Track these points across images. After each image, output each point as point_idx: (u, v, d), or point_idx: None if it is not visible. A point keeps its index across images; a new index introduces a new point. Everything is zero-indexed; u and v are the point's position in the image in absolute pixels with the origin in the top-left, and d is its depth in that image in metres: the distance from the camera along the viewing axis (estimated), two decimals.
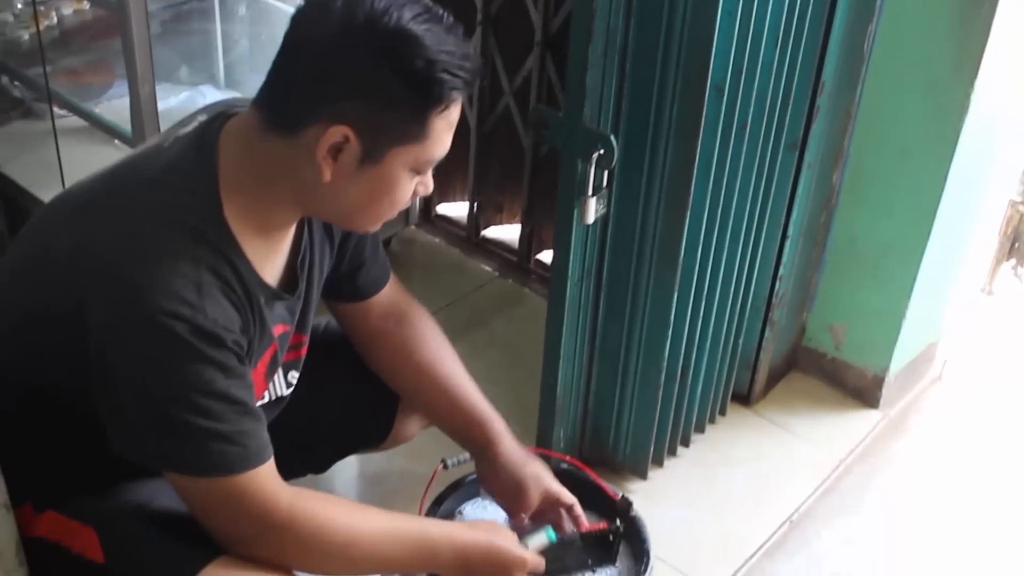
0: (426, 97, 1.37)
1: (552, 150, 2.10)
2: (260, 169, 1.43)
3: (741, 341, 2.43)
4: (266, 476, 1.44)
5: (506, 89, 2.89)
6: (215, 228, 1.41)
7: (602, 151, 1.83)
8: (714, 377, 2.41)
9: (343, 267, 1.76)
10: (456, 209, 3.23)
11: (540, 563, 1.67)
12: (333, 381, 1.84)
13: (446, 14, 1.40)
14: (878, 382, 2.62)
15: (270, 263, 1.52)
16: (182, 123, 1.54)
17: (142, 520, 1.55)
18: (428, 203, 3.20)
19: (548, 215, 2.87)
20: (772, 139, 2.11)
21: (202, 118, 1.50)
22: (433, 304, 2.88)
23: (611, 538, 1.78)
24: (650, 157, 1.94)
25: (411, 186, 1.48)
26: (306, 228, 1.61)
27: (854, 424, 2.62)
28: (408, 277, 3.02)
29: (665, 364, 2.16)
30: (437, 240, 3.20)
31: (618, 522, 1.79)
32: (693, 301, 2.14)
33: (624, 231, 2.03)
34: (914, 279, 2.45)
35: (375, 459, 2.35)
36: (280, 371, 1.66)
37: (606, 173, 1.88)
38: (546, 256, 2.99)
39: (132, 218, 1.39)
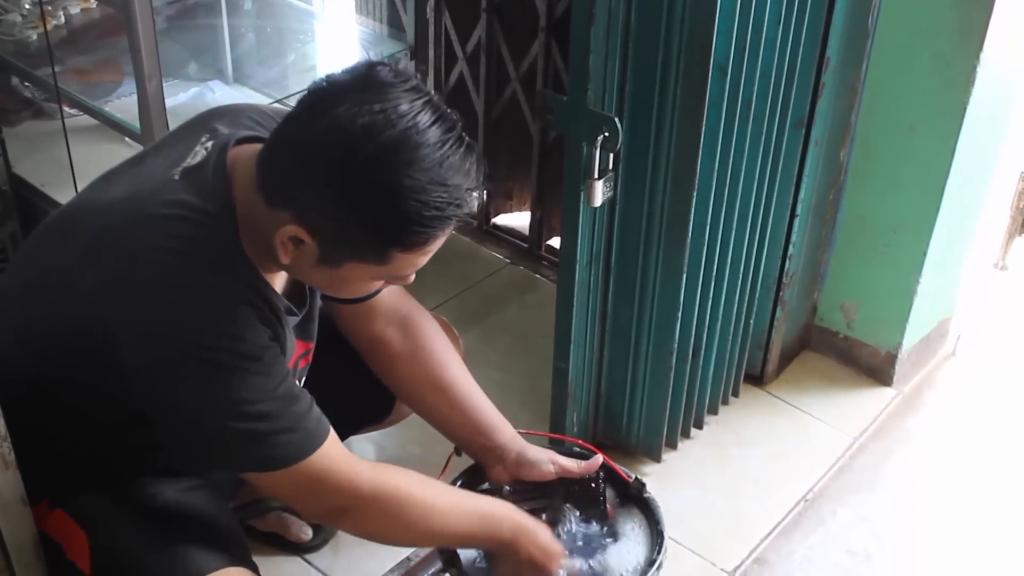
0: (391, 240, 1.36)
1: (559, 136, 2.10)
2: (256, 219, 1.43)
3: (752, 321, 2.42)
4: (334, 448, 1.51)
5: (512, 76, 2.89)
6: (238, 260, 1.43)
7: (607, 134, 1.83)
8: (726, 358, 2.41)
9: None
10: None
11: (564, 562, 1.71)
12: (332, 359, 1.83)
13: (464, 147, 1.37)
14: (891, 359, 2.62)
15: (278, 283, 1.54)
16: (182, 139, 1.55)
17: (136, 532, 1.58)
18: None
19: (557, 201, 2.86)
20: (778, 117, 2.11)
21: (206, 145, 1.49)
22: (445, 293, 2.90)
23: (593, 485, 1.80)
24: (655, 139, 1.94)
25: (377, 284, 1.55)
26: None
27: (868, 402, 2.62)
28: (421, 270, 3.03)
29: (676, 346, 2.16)
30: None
31: (600, 474, 1.80)
32: (702, 282, 2.14)
33: (631, 213, 2.03)
34: (924, 255, 2.45)
35: (389, 446, 2.36)
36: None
37: (612, 156, 1.88)
38: (557, 242, 2.99)
39: (157, 257, 1.40)
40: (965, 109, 2.24)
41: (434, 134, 1.33)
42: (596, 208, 1.95)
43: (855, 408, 2.60)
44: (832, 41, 2.14)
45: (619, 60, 1.87)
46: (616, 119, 1.82)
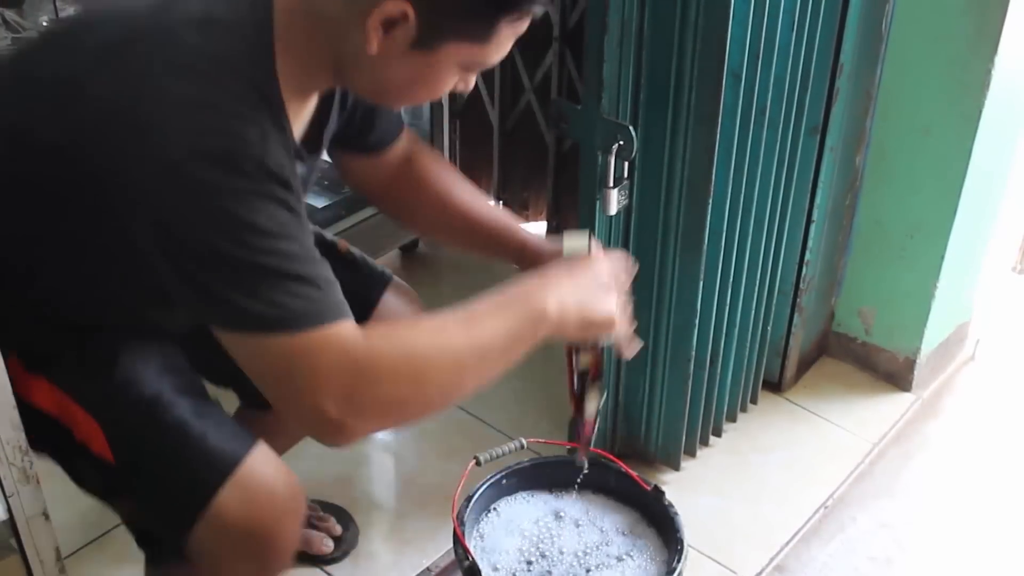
0: (504, 6, 1.28)
1: (575, 145, 2.10)
2: (312, 28, 1.30)
3: (770, 328, 2.42)
4: (348, 330, 1.27)
5: (527, 85, 2.90)
6: (269, 84, 1.29)
7: (621, 142, 1.83)
8: (744, 365, 2.40)
9: (353, 127, 1.64)
10: None
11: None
12: None
13: None
14: (910, 365, 2.61)
15: (297, 125, 1.41)
16: None
17: (155, 423, 1.44)
18: None
19: (573, 211, 2.87)
20: (792, 123, 2.10)
21: None
22: (462, 297, 2.87)
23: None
24: (670, 146, 1.94)
25: (454, 81, 1.38)
26: (336, 95, 1.53)
27: (887, 408, 2.61)
28: (437, 277, 3.04)
29: (694, 353, 2.15)
30: None
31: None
32: (719, 289, 2.13)
33: (647, 221, 2.03)
34: (942, 259, 2.44)
35: (408, 458, 2.36)
36: None
37: (627, 164, 1.88)
38: None
39: (189, 61, 1.25)
40: (980, 112, 2.24)
41: None
42: (612, 216, 1.95)
43: (874, 414, 2.59)
44: (846, 46, 2.13)
45: (633, 68, 1.87)
46: (631, 127, 1.82)
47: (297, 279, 1.23)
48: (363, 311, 1.76)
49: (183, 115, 1.21)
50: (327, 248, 1.71)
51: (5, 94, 1.41)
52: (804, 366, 2.66)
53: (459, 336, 1.34)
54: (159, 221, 1.24)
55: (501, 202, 3.11)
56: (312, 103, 1.45)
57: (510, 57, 2.81)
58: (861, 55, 2.22)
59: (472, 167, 3.10)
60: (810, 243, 2.36)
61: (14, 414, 1.34)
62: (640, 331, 2.15)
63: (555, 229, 3.02)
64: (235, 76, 1.25)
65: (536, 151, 2.97)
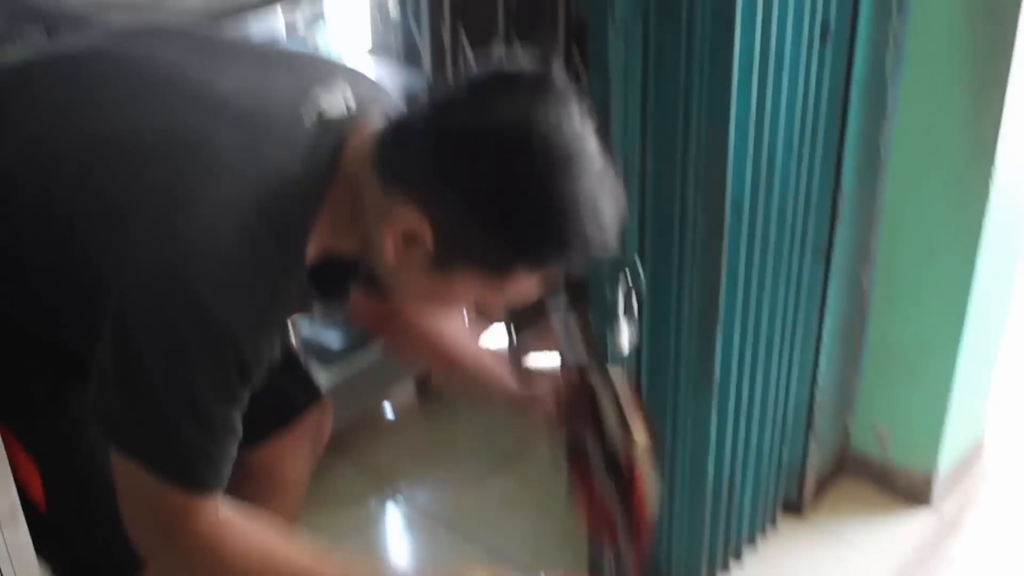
0: (526, 253, 1.26)
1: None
2: (354, 208, 1.30)
3: (785, 451, 2.42)
4: (211, 505, 1.32)
5: None
6: (302, 250, 1.29)
7: (629, 275, 1.86)
8: (761, 490, 2.40)
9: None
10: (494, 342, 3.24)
11: None
12: None
13: (614, 180, 1.27)
14: (928, 482, 2.60)
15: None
16: (319, 69, 1.42)
17: (99, 483, 1.40)
18: None
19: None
20: (798, 248, 2.13)
21: (348, 98, 1.36)
22: (479, 434, 2.90)
23: None
24: (677, 277, 1.96)
25: (471, 302, 1.39)
26: None
27: (908, 527, 2.58)
28: (453, 410, 3.04)
29: (710, 482, 2.15)
30: None
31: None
32: (733, 416, 2.14)
33: (657, 352, 2.05)
34: (953, 376, 2.44)
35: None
36: None
37: (635, 299, 1.90)
38: None
39: (238, 222, 1.24)
40: (982, 228, 2.26)
41: (598, 162, 1.23)
42: (622, 348, 1.97)
43: (895, 534, 2.56)
44: (846, 170, 2.16)
45: (638, 202, 1.90)
46: (637, 260, 1.85)
47: (200, 452, 1.28)
48: (285, 417, 1.81)
49: (206, 272, 1.22)
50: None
51: (43, 110, 1.39)
52: (822, 486, 2.65)
53: None
54: (123, 338, 1.25)
55: (513, 326, 3.12)
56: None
57: None
58: (862, 178, 2.25)
59: None
60: (821, 364, 2.37)
61: None
62: (656, 461, 2.17)
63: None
64: (272, 238, 1.26)
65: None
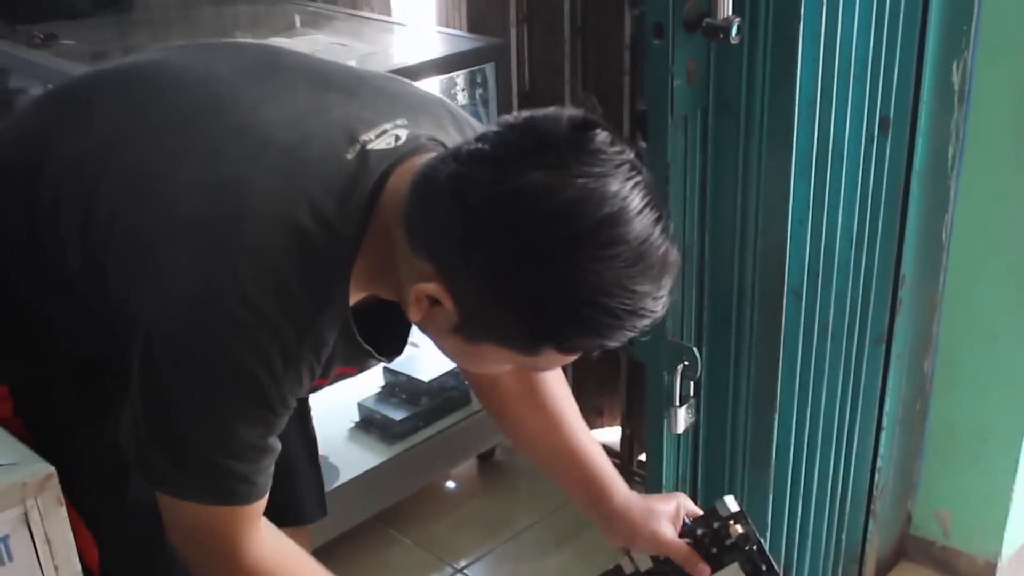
0: (550, 337, 1.16)
1: None
2: (390, 250, 1.22)
3: (844, 535, 2.41)
4: (256, 512, 1.31)
5: None
6: (341, 290, 1.23)
7: (687, 363, 1.88)
8: (819, 573, 2.39)
9: None
10: None
11: None
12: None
13: (667, 244, 1.13)
14: (991, 568, 2.57)
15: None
16: (379, 91, 1.34)
17: (144, 549, 1.47)
18: None
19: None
20: (857, 335, 2.14)
21: (399, 132, 1.27)
22: (540, 510, 2.91)
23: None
24: (735, 365, 1.98)
25: (505, 367, 1.30)
26: None
27: None
28: (514, 485, 3.06)
29: None
30: None
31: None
32: (790, 502, 2.14)
33: (715, 438, 2.06)
34: (1017, 461, 2.43)
35: None
36: None
37: (692, 383, 1.93)
38: None
39: (269, 247, 1.19)
40: None
41: (639, 225, 1.09)
42: (679, 434, 1.98)
43: None
44: (907, 258, 2.18)
45: (696, 290, 1.93)
46: (695, 348, 1.87)
47: (235, 476, 1.25)
48: (284, 519, 1.71)
49: (236, 318, 1.17)
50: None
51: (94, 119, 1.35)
52: (882, 571, 2.63)
53: None
54: (141, 370, 1.22)
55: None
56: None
57: None
58: (923, 265, 2.26)
59: None
60: (882, 449, 2.36)
61: None
62: None
63: (628, 437, 3.04)
64: (312, 283, 1.20)
65: (608, 359, 3.02)
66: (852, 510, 2.39)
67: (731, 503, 1.57)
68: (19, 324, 1.40)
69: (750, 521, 1.57)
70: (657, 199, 1.12)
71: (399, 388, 2.91)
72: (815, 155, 1.83)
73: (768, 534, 2.11)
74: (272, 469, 1.30)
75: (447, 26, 3.05)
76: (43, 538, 1.38)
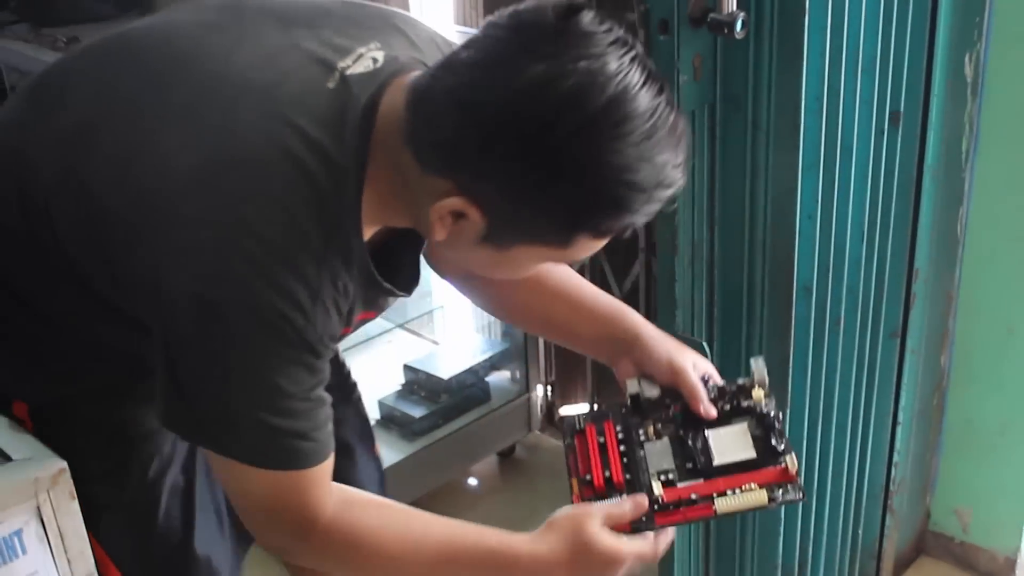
0: (583, 223, 1.17)
1: None
2: (396, 185, 1.22)
3: (861, 531, 2.41)
4: (324, 474, 1.29)
5: (616, 293, 2.97)
6: (353, 226, 1.22)
7: None
8: (836, 570, 2.38)
9: None
10: (578, 411, 3.26)
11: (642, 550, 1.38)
12: None
13: (674, 114, 1.14)
14: (1011, 564, 2.57)
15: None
16: (346, 19, 1.31)
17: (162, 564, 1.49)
18: (551, 407, 3.27)
19: None
20: (870, 330, 2.14)
21: (376, 55, 1.25)
22: (558, 505, 2.90)
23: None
24: (746, 360, 1.98)
25: (533, 270, 1.33)
26: None
27: None
28: (533, 482, 3.07)
29: (780, 561, 2.15)
30: (561, 443, 3.22)
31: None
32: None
33: None
34: None
35: None
36: None
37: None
38: None
39: (282, 196, 1.17)
40: None
41: (645, 99, 1.10)
42: None
43: None
44: (920, 252, 2.18)
45: (706, 285, 1.93)
46: (705, 344, 1.87)
47: (292, 434, 1.23)
48: None
49: (249, 262, 1.16)
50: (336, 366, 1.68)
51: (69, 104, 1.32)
52: (901, 567, 2.63)
53: (428, 566, 1.35)
54: (172, 343, 1.21)
55: (596, 407, 3.16)
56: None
57: (599, 267, 2.93)
58: (938, 259, 2.26)
59: (568, 371, 3.17)
60: (898, 445, 2.36)
61: None
62: (726, 541, 2.18)
63: None
64: (319, 219, 1.18)
65: None
66: (869, 505, 2.39)
67: (760, 366, 1.55)
68: (37, 337, 1.39)
69: (772, 393, 1.54)
70: (653, 71, 1.13)
71: (418, 386, 2.93)
72: (823, 149, 1.83)
73: (782, 527, 2.12)
74: (332, 427, 1.28)
75: (464, 25, 3.07)
76: (56, 532, 1.41)
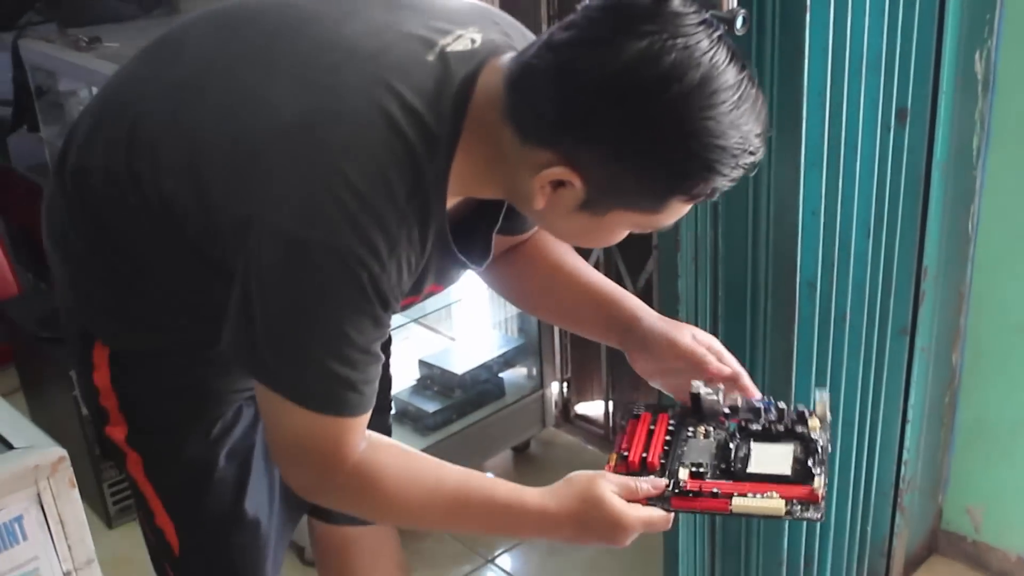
0: (678, 187, 1.26)
1: None
2: (491, 156, 1.31)
3: (870, 528, 2.40)
4: (361, 423, 1.36)
5: (630, 289, 2.97)
6: (437, 191, 1.30)
7: None
8: (843, 567, 2.38)
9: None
10: (593, 408, 3.29)
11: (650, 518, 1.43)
12: None
13: (755, 88, 1.24)
14: (1023, 563, 2.56)
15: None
16: (450, 20, 1.38)
17: (226, 548, 1.61)
18: (566, 404, 3.28)
19: None
20: (877, 326, 2.13)
21: (474, 37, 1.35)
22: None
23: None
24: (750, 356, 1.98)
25: (623, 234, 1.39)
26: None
27: None
28: (547, 478, 3.05)
29: (785, 557, 2.15)
30: (576, 439, 3.25)
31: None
32: None
33: None
34: None
35: None
36: None
37: None
38: None
39: (376, 155, 1.26)
40: None
41: (731, 74, 1.21)
42: None
43: None
44: (929, 250, 2.17)
45: (710, 280, 1.94)
46: None
47: (345, 383, 1.30)
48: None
49: (339, 207, 1.23)
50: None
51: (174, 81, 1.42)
52: (912, 566, 2.63)
53: (441, 512, 1.41)
54: (253, 280, 1.28)
55: (612, 402, 3.18)
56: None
57: (614, 264, 2.94)
58: (948, 257, 2.26)
59: (584, 368, 3.19)
60: (907, 443, 2.36)
61: None
62: (732, 536, 2.19)
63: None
64: (408, 180, 1.26)
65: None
66: (878, 503, 2.39)
67: (824, 399, 1.58)
68: (130, 286, 1.47)
69: (828, 427, 1.57)
70: (736, 50, 1.23)
71: (432, 381, 2.95)
72: (827, 146, 1.83)
73: (787, 524, 2.12)
74: (377, 384, 1.35)
75: None
76: (56, 519, 1.44)
